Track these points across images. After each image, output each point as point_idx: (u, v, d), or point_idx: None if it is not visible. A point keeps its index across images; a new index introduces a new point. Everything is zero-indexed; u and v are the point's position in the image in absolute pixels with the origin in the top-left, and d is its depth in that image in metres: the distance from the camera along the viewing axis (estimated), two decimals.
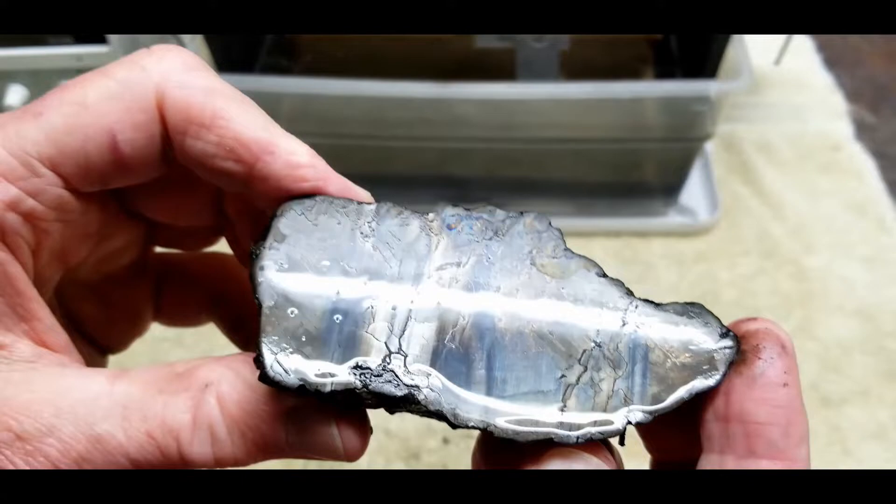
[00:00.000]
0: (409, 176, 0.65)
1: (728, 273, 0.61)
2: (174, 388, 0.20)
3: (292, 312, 0.20)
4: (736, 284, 0.60)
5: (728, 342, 0.21)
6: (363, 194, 0.22)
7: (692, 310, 0.22)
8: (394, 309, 0.21)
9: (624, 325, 0.22)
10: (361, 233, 0.21)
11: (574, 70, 0.66)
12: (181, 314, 0.29)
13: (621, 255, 0.63)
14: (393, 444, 0.53)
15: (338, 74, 0.56)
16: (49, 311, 0.21)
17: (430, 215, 0.22)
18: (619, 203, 0.65)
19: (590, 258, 0.22)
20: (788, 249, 0.63)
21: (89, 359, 0.27)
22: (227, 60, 0.61)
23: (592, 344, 0.21)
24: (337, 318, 0.20)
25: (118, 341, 0.28)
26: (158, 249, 0.29)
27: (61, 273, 0.23)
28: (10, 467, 0.19)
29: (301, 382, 0.20)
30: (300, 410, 0.20)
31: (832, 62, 0.78)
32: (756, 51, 0.59)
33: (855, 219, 0.65)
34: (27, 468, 0.19)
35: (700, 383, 0.21)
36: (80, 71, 0.63)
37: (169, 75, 0.20)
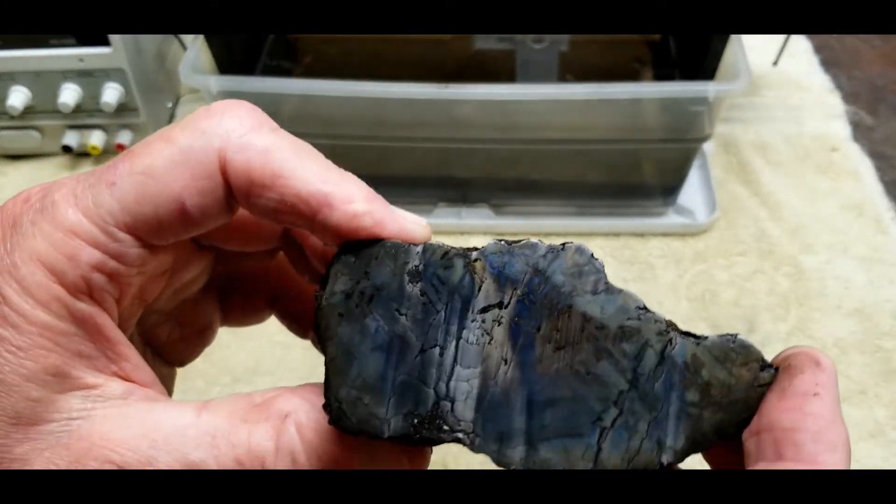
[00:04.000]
0: (409, 177, 0.65)
1: (726, 273, 0.61)
2: (255, 418, 0.22)
3: (352, 363, 0.22)
4: (734, 284, 0.61)
5: (767, 377, 0.21)
6: (416, 227, 0.23)
7: (732, 343, 0.22)
8: (441, 355, 0.22)
9: (660, 363, 0.21)
10: (409, 277, 0.22)
11: (573, 71, 0.67)
12: (245, 316, 0.31)
13: (620, 254, 0.63)
14: None
15: (338, 76, 0.56)
16: (136, 352, 0.23)
17: (474, 254, 0.22)
18: (618, 203, 0.66)
19: (630, 292, 0.22)
20: (786, 249, 0.63)
21: (163, 376, 0.29)
22: (228, 62, 0.61)
23: (628, 385, 0.21)
24: (391, 366, 0.22)
25: (190, 354, 0.30)
26: None
27: (142, 310, 0.25)
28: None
29: (361, 430, 0.21)
30: (370, 441, 0.22)
31: (830, 63, 0.79)
32: (754, 52, 0.59)
33: (852, 219, 0.65)
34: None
35: (733, 424, 0.21)
36: (82, 72, 0.64)
37: (229, 138, 0.22)
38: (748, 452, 0.21)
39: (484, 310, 0.22)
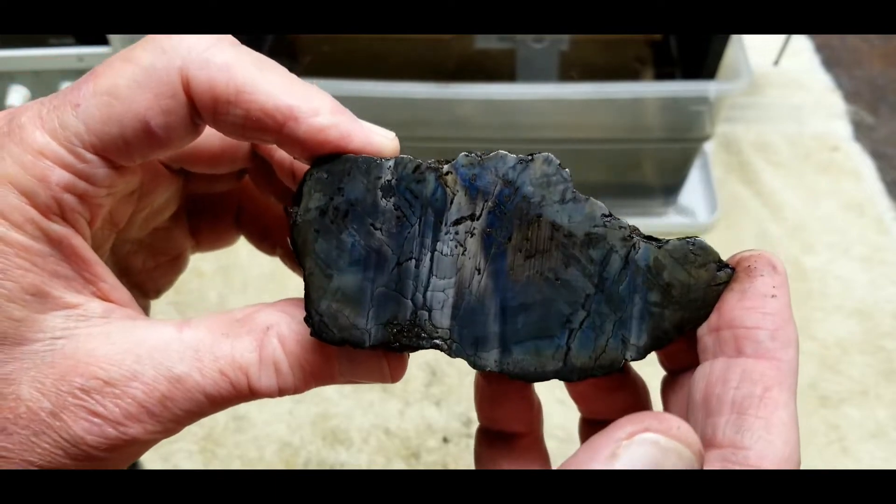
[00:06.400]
0: None
1: None
2: (238, 332, 0.23)
3: (331, 277, 0.22)
4: None
5: (724, 276, 0.23)
6: (384, 140, 0.23)
7: (691, 246, 0.23)
8: (417, 267, 0.22)
9: (625, 266, 0.23)
10: (383, 192, 0.22)
11: (574, 70, 0.66)
12: (215, 239, 0.32)
13: None
14: (393, 444, 0.53)
15: (338, 75, 0.56)
16: (111, 273, 0.23)
17: (445, 167, 0.23)
18: (619, 203, 0.65)
19: (596, 200, 0.23)
20: (787, 249, 0.63)
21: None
22: None
23: (594, 289, 0.23)
24: (368, 279, 0.22)
25: (164, 283, 0.31)
26: None
27: (113, 236, 0.26)
28: (102, 411, 0.21)
29: (344, 340, 0.22)
30: (350, 349, 0.23)
31: (831, 63, 0.79)
32: (755, 51, 0.59)
33: (853, 219, 0.65)
34: (117, 411, 0.21)
35: (692, 321, 0.23)
36: (81, 72, 0.63)
37: (190, 55, 0.22)
38: (704, 348, 0.22)
39: (457, 222, 0.23)
